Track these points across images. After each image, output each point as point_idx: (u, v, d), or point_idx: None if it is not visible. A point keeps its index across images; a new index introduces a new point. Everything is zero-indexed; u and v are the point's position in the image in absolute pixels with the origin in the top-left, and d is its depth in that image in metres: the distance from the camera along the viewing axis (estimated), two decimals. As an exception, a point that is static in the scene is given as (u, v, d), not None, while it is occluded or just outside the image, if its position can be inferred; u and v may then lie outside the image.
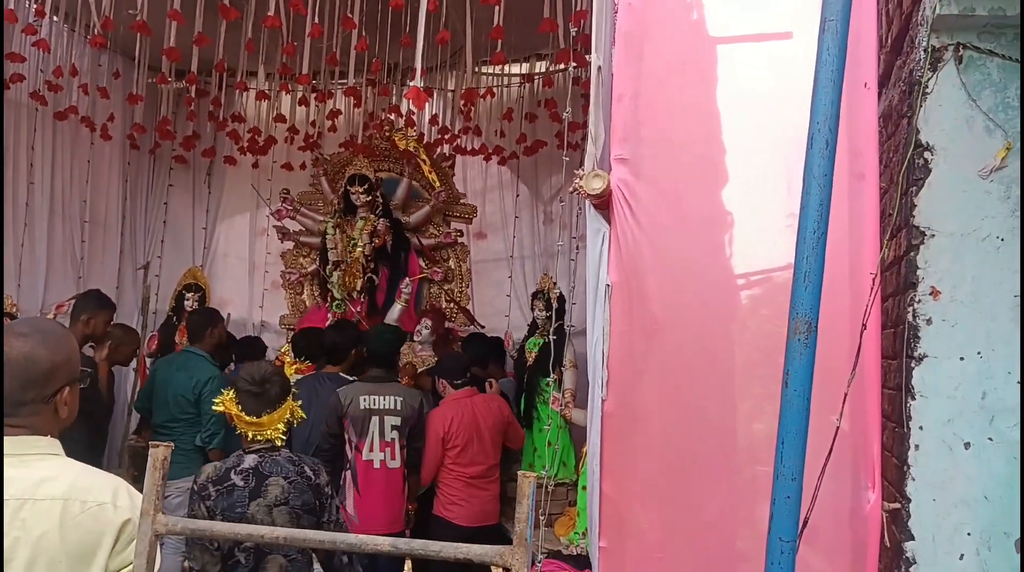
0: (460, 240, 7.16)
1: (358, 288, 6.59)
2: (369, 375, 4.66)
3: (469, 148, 6.84)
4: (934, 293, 2.09)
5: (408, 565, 4.94)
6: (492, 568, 1.58)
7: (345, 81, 5.90)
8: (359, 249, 6.58)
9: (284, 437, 3.11)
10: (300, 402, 3.24)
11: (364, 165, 6.76)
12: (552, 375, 4.89)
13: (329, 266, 6.70)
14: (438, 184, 6.89)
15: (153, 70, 6.05)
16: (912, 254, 2.12)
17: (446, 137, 6.81)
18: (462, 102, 6.39)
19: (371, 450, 4.41)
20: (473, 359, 5.29)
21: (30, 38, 5.22)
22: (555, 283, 5.78)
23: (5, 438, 1.70)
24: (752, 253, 2.43)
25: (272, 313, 7.39)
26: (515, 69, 7.04)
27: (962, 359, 2.07)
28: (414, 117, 6.50)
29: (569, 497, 4.91)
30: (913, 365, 2.09)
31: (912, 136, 2.13)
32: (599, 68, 2.60)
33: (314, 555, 3.08)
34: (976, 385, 2.06)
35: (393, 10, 4.83)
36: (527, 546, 1.44)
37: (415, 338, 6.02)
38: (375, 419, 4.41)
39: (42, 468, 1.72)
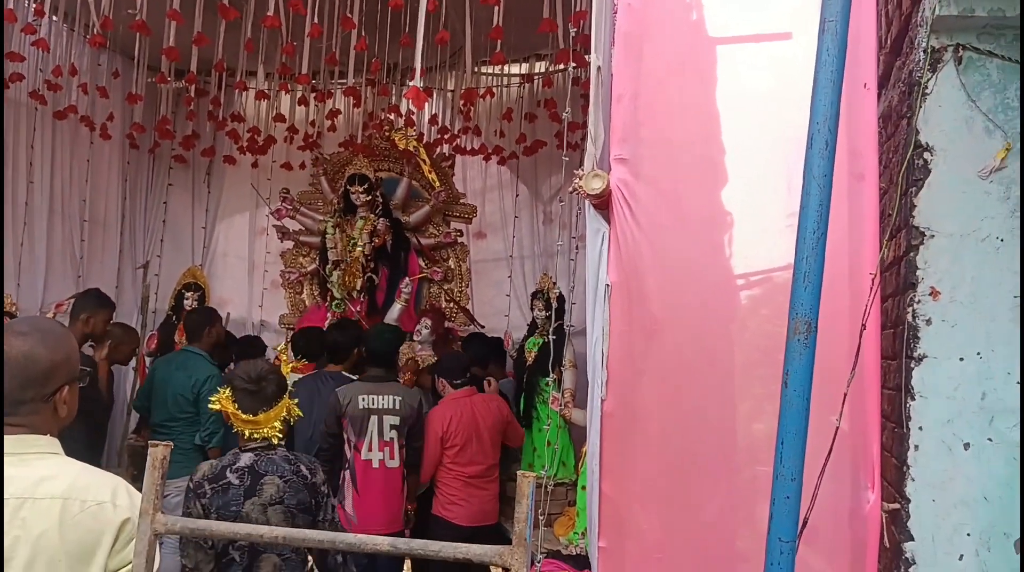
0: (460, 240, 7.16)
1: (358, 287, 6.59)
2: (368, 375, 4.67)
3: (469, 148, 6.84)
4: (934, 293, 2.09)
5: (407, 565, 4.94)
6: (491, 568, 1.57)
7: (345, 81, 5.90)
8: (359, 249, 6.58)
9: (281, 435, 3.11)
10: (297, 400, 3.24)
11: (364, 165, 6.76)
12: (552, 375, 4.89)
13: (329, 265, 6.70)
14: (438, 184, 6.88)
15: (152, 70, 6.05)
16: (912, 254, 2.12)
17: (446, 137, 6.80)
18: (462, 102, 6.39)
19: (370, 450, 4.40)
20: (473, 359, 5.29)
21: (29, 37, 5.21)
22: (555, 283, 5.78)
23: (5, 437, 1.70)
24: (752, 253, 2.43)
25: (272, 312, 7.40)
26: (515, 69, 7.04)
27: (962, 360, 2.07)
28: (414, 117, 6.49)
29: (568, 497, 4.91)
30: (913, 365, 2.10)
31: (912, 137, 2.13)
32: (599, 68, 2.60)
33: (309, 554, 3.07)
34: (976, 386, 2.06)
35: (392, 10, 4.84)
36: (526, 546, 1.44)
37: (415, 338, 6.02)
38: (374, 418, 4.41)
39: (41, 467, 1.72)
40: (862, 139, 2.28)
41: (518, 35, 5.14)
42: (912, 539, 2.06)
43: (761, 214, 2.43)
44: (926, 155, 2.12)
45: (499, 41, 4.54)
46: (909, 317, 2.11)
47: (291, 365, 5.30)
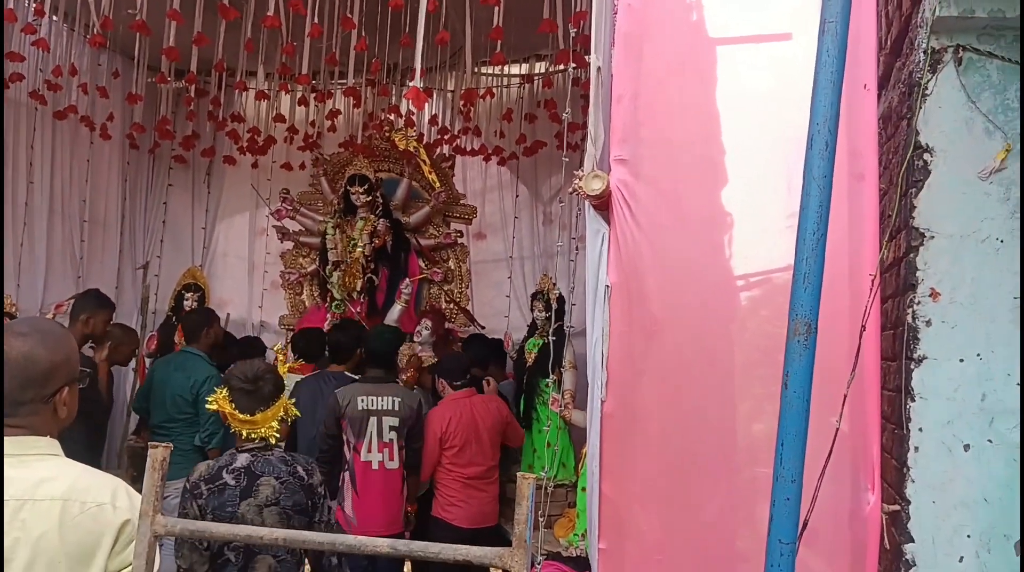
0: (460, 241, 7.16)
1: (358, 288, 6.60)
2: (367, 376, 4.66)
3: (469, 148, 6.84)
4: (933, 295, 2.09)
5: (408, 566, 4.93)
6: (491, 570, 1.57)
7: (345, 81, 5.91)
8: (359, 249, 6.58)
9: (278, 435, 3.10)
10: (300, 401, 3.23)
11: (364, 165, 6.76)
12: (551, 376, 4.89)
13: (329, 266, 6.70)
14: (438, 185, 6.88)
15: (152, 70, 6.05)
16: (911, 255, 2.12)
17: (446, 137, 6.81)
18: (462, 102, 6.39)
19: (369, 451, 4.40)
20: (473, 360, 5.29)
21: (29, 37, 5.22)
22: (555, 284, 5.78)
23: (4, 439, 1.70)
24: (752, 254, 2.43)
25: (271, 313, 7.40)
26: (515, 70, 7.04)
27: (962, 361, 2.07)
28: (414, 117, 6.49)
29: (569, 498, 4.92)
30: (913, 367, 2.09)
31: (912, 137, 2.13)
32: (599, 69, 2.60)
33: (304, 556, 3.06)
34: (976, 387, 2.06)
35: (393, 10, 4.84)
36: (526, 548, 1.44)
37: (415, 339, 6.02)
38: (373, 420, 4.41)
39: (41, 468, 1.72)
40: (862, 140, 2.28)
41: (518, 35, 5.14)
42: (912, 541, 2.06)
43: (761, 214, 2.43)
44: (926, 156, 2.12)
45: (499, 41, 4.55)
46: (909, 318, 2.11)
47: (288, 365, 5.29)
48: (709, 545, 2.36)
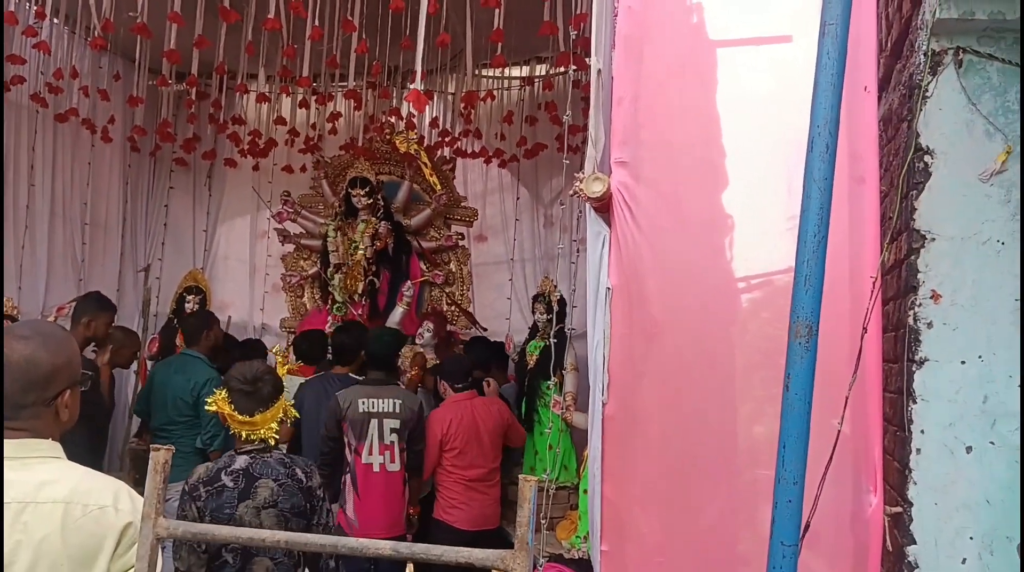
0: (461, 243, 7.16)
1: (359, 291, 6.60)
2: (368, 378, 4.67)
3: (469, 151, 6.84)
4: (935, 297, 2.09)
5: (409, 569, 4.93)
6: (493, 572, 1.57)
7: (345, 84, 5.91)
8: (360, 252, 6.58)
9: (278, 436, 3.10)
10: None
11: (365, 168, 6.77)
12: (553, 378, 4.89)
13: (330, 269, 6.70)
14: (439, 187, 6.88)
15: (153, 72, 6.06)
16: (912, 258, 2.12)
17: (446, 140, 6.81)
18: (462, 105, 6.40)
19: (370, 453, 4.40)
20: (475, 362, 5.29)
21: (31, 40, 5.22)
22: (556, 286, 5.78)
23: (6, 441, 1.70)
24: (752, 256, 2.43)
25: (273, 316, 7.40)
26: (515, 72, 7.04)
27: (963, 363, 2.07)
28: (414, 120, 6.50)
29: (571, 500, 4.92)
30: (914, 369, 2.09)
31: (912, 140, 2.13)
32: (599, 71, 2.60)
33: (302, 558, 3.06)
34: (977, 389, 2.06)
35: (393, 13, 4.83)
36: (528, 550, 1.44)
37: (417, 341, 6.03)
38: (374, 422, 4.41)
39: (43, 471, 1.72)
40: (862, 142, 2.28)
41: (519, 38, 5.14)
42: (915, 543, 2.06)
43: (761, 217, 2.43)
44: (927, 158, 2.12)
45: (500, 44, 4.55)
46: (910, 320, 2.11)
47: (287, 367, 5.30)
48: (710, 548, 2.36)
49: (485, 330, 6.77)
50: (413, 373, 5.27)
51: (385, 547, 1.58)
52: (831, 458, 2.02)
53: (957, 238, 2.09)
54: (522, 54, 6.65)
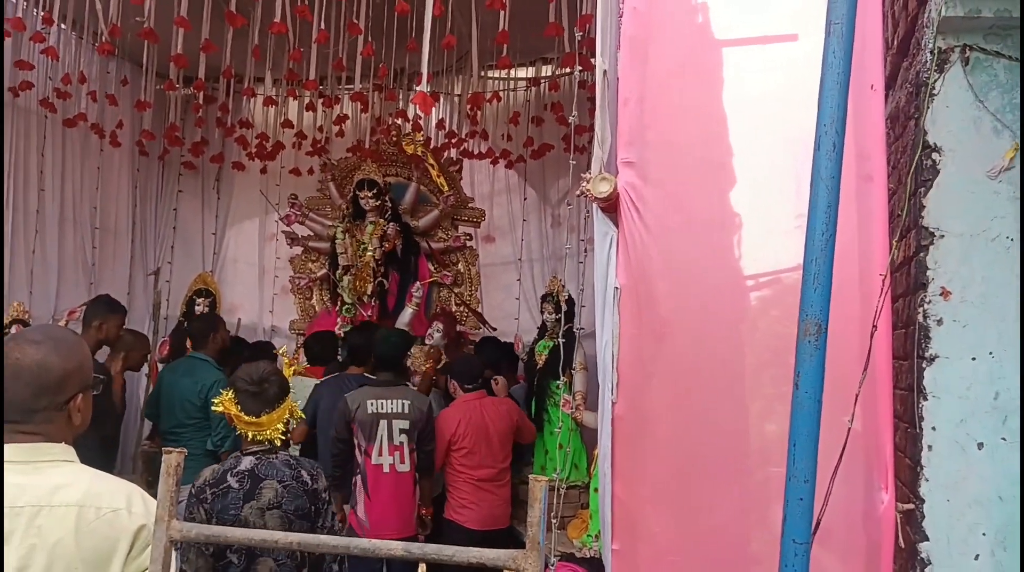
0: (469, 244, 7.17)
1: (368, 292, 6.61)
2: (377, 379, 4.68)
3: (476, 152, 6.85)
4: (944, 294, 2.09)
5: (422, 569, 4.94)
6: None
7: (352, 86, 5.92)
8: (369, 253, 6.60)
9: (283, 437, 3.11)
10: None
11: (372, 170, 6.79)
12: (562, 378, 4.89)
13: (339, 270, 6.72)
14: (446, 188, 6.90)
15: (161, 77, 6.09)
16: (921, 255, 2.12)
17: (453, 141, 6.82)
18: (468, 106, 6.39)
19: (380, 454, 4.41)
20: (486, 363, 5.30)
21: (39, 46, 5.25)
22: (564, 286, 5.78)
23: (20, 446, 1.71)
24: (760, 255, 2.43)
25: (282, 318, 7.42)
26: (521, 73, 7.05)
27: (974, 359, 2.07)
28: (421, 122, 6.51)
29: (582, 500, 4.91)
30: (924, 366, 2.09)
31: (920, 137, 2.13)
32: (604, 72, 2.60)
33: (306, 560, 3.06)
34: (988, 385, 2.06)
35: (399, 15, 4.84)
36: (540, 549, 1.45)
37: (427, 341, 6.04)
38: (383, 423, 4.42)
39: (56, 475, 1.73)
40: (870, 140, 2.27)
41: (524, 39, 5.15)
42: (927, 539, 2.06)
43: (769, 215, 2.43)
44: (934, 156, 2.12)
45: (505, 45, 4.55)
46: (920, 317, 2.11)
47: (294, 368, 5.31)
48: (722, 547, 2.36)
49: (495, 330, 6.78)
50: (428, 366, 5.27)
51: (397, 548, 1.58)
52: (842, 455, 2.02)
53: (966, 235, 2.09)
54: (528, 55, 6.65)
